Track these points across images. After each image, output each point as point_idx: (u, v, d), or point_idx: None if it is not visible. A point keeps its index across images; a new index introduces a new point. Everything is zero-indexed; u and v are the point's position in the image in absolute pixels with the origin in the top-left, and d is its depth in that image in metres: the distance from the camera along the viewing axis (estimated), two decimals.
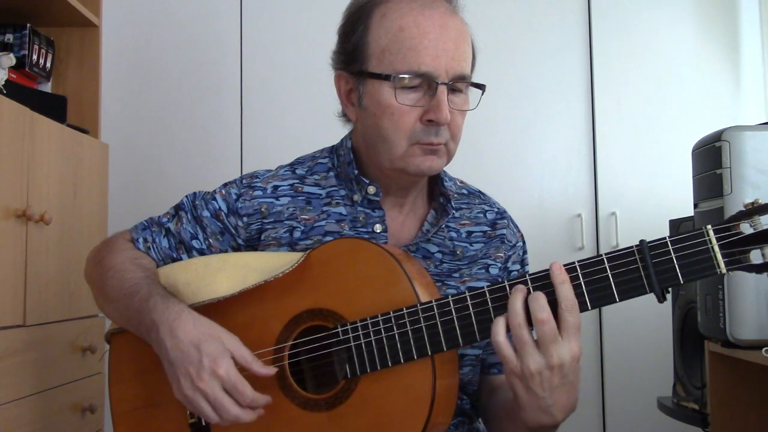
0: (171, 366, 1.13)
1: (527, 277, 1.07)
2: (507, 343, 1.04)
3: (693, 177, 1.81)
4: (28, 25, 2.23)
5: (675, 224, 2.16)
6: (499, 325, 1.05)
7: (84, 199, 2.16)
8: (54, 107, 2.15)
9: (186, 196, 1.37)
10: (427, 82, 1.20)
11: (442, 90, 1.19)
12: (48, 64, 2.34)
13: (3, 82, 2.00)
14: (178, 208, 1.36)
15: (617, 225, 2.67)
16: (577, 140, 2.72)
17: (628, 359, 2.63)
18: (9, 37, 2.20)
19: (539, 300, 1.03)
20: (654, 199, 2.65)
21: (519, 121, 2.70)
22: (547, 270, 1.05)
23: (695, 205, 1.80)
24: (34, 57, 2.25)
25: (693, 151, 1.80)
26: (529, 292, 1.05)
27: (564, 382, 1.03)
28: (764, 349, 1.52)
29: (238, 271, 1.23)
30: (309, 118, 2.63)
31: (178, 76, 2.74)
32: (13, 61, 2.08)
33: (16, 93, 1.95)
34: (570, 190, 2.71)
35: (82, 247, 2.07)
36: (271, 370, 1.14)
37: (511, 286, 1.07)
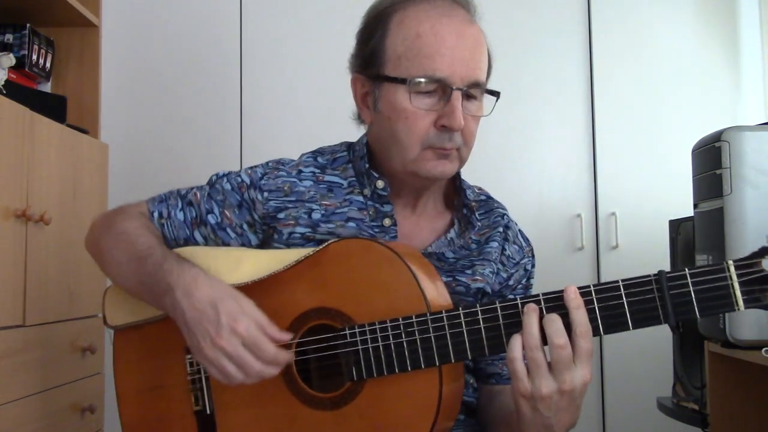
0: (188, 328, 1.11)
1: (540, 296, 1.06)
2: (521, 361, 1.04)
3: (693, 177, 1.80)
4: (28, 25, 2.22)
5: (675, 224, 2.16)
6: (516, 342, 1.04)
7: (84, 199, 2.16)
8: (54, 107, 2.15)
9: (213, 174, 1.37)
10: (441, 88, 1.21)
11: (456, 96, 1.20)
12: (48, 64, 2.34)
13: (3, 82, 2.00)
14: (205, 184, 1.36)
15: (617, 225, 2.67)
16: (577, 140, 2.72)
17: (628, 359, 2.62)
18: (9, 37, 2.20)
19: (556, 324, 1.02)
20: (654, 199, 2.65)
21: (519, 121, 2.70)
22: (561, 292, 1.04)
23: (695, 206, 1.79)
24: (34, 57, 2.25)
25: (693, 151, 1.80)
26: (541, 312, 1.04)
27: (571, 404, 1.04)
28: (764, 349, 1.52)
29: (261, 262, 1.23)
30: (309, 117, 2.63)
31: (177, 76, 2.74)
32: (13, 61, 2.08)
33: (16, 93, 1.95)
34: (570, 190, 2.71)
35: (81, 247, 2.05)
36: (286, 335, 1.13)
37: (524, 304, 1.06)
